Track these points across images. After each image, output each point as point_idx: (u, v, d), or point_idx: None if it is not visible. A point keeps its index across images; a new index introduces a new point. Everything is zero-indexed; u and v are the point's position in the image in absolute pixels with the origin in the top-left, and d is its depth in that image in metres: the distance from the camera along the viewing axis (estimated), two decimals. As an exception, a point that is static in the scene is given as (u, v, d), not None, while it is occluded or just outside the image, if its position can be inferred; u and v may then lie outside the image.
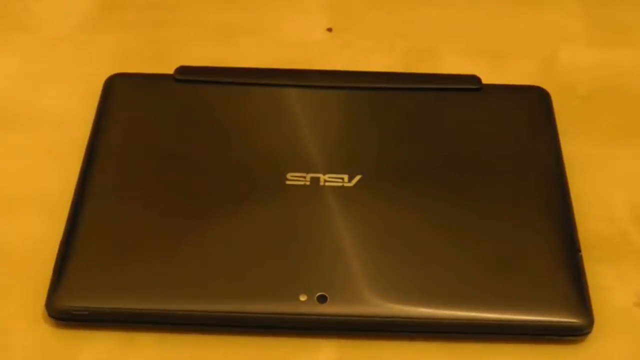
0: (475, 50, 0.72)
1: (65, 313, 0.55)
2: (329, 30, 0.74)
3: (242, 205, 0.59)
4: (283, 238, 0.58)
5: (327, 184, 0.60)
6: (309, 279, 0.56)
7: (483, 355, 0.56)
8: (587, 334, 0.56)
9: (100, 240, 0.58)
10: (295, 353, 0.56)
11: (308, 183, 0.60)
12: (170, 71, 0.66)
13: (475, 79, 0.66)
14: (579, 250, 0.58)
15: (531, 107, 0.66)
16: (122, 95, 0.65)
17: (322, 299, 0.55)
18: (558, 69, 0.71)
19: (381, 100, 0.66)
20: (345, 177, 0.61)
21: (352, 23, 0.74)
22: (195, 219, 0.59)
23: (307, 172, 0.61)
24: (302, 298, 0.55)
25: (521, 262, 0.57)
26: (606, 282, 0.59)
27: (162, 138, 0.63)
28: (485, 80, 0.66)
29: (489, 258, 0.57)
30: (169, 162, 0.62)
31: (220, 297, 0.55)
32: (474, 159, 0.62)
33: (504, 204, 0.60)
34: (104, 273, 0.56)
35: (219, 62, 0.70)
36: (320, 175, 0.61)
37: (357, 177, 0.61)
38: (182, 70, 0.66)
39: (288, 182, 0.60)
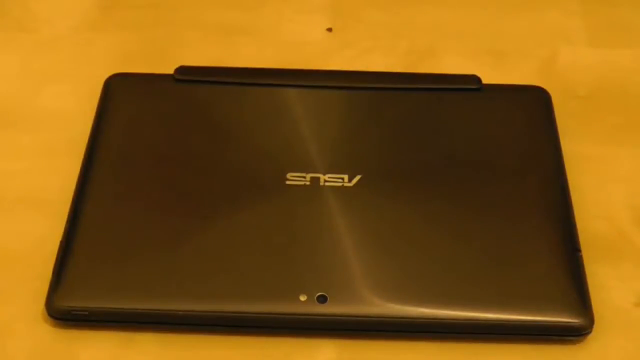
0: (475, 50, 0.72)
1: (65, 313, 0.55)
2: (329, 30, 0.74)
3: (242, 205, 0.59)
4: (283, 238, 0.58)
5: (327, 184, 0.60)
6: (309, 279, 0.56)
7: (483, 355, 0.56)
8: (587, 334, 0.56)
9: (100, 240, 0.58)
10: (295, 353, 0.56)
11: (308, 183, 0.60)
12: (170, 71, 0.66)
13: (475, 79, 0.66)
14: (579, 250, 0.58)
15: (531, 107, 0.66)
16: (122, 95, 0.65)
17: (322, 299, 0.55)
18: (558, 69, 0.71)
19: (381, 100, 0.66)
20: (345, 177, 0.61)
21: (352, 23, 0.74)
22: (195, 218, 0.59)
23: (307, 172, 0.61)
24: (302, 298, 0.55)
25: (521, 262, 0.57)
26: (606, 282, 0.59)
27: (162, 138, 0.63)
28: (486, 80, 0.66)
29: (488, 258, 0.57)
30: (168, 162, 0.62)
31: (220, 297, 0.55)
32: (474, 159, 0.62)
33: (503, 203, 0.60)
34: (104, 273, 0.56)
35: (218, 62, 0.70)
36: (320, 175, 0.61)
37: (357, 177, 0.61)
38: (182, 70, 0.66)
39: (288, 182, 0.60)
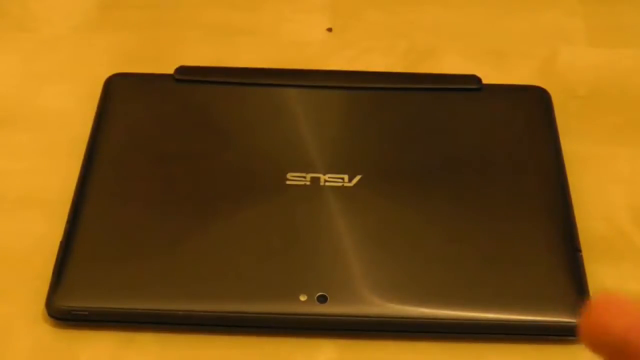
0: (475, 50, 0.72)
1: (65, 313, 0.55)
2: (329, 30, 0.74)
3: (242, 205, 0.59)
4: (283, 238, 0.58)
5: (327, 184, 0.60)
6: (309, 279, 0.56)
7: (483, 355, 0.56)
8: (587, 334, 0.56)
9: (100, 240, 0.58)
10: (295, 353, 0.56)
11: (308, 183, 0.60)
12: (170, 71, 0.66)
13: (475, 79, 0.66)
14: (579, 250, 0.58)
15: (531, 107, 0.66)
16: (122, 95, 0.65)
17: (322, 299, 0.55)
18: (558, 69, 0.71)
19: (381, 100, 0.66)
20: (345, 177, 0.61)
21: (352, 23, 0.74)
22: (195, 218, 0.59)
23: (307, 172, 0.61)
24: (302, 298, 0.55)
25: (521, 262, 0.57)
26: (606, 282, 0.59)
27: (162, 138, 0.63)
28: (486, 80, 0.66)
29: (488, 258, 0.57)
30: (168, 162, 0.62)
31: (220, 297, 0.55)
32: (474, 159, 0.62)
33: (503, 203, 0.60)
34: (104, 273, 0.56)
35: (218, 62, 0.70)
36: (320, 175, 0.61)
37: (357, 177, 0.61)
38: (182, 70, 0.66)
39: (288, 182, 0.60)
